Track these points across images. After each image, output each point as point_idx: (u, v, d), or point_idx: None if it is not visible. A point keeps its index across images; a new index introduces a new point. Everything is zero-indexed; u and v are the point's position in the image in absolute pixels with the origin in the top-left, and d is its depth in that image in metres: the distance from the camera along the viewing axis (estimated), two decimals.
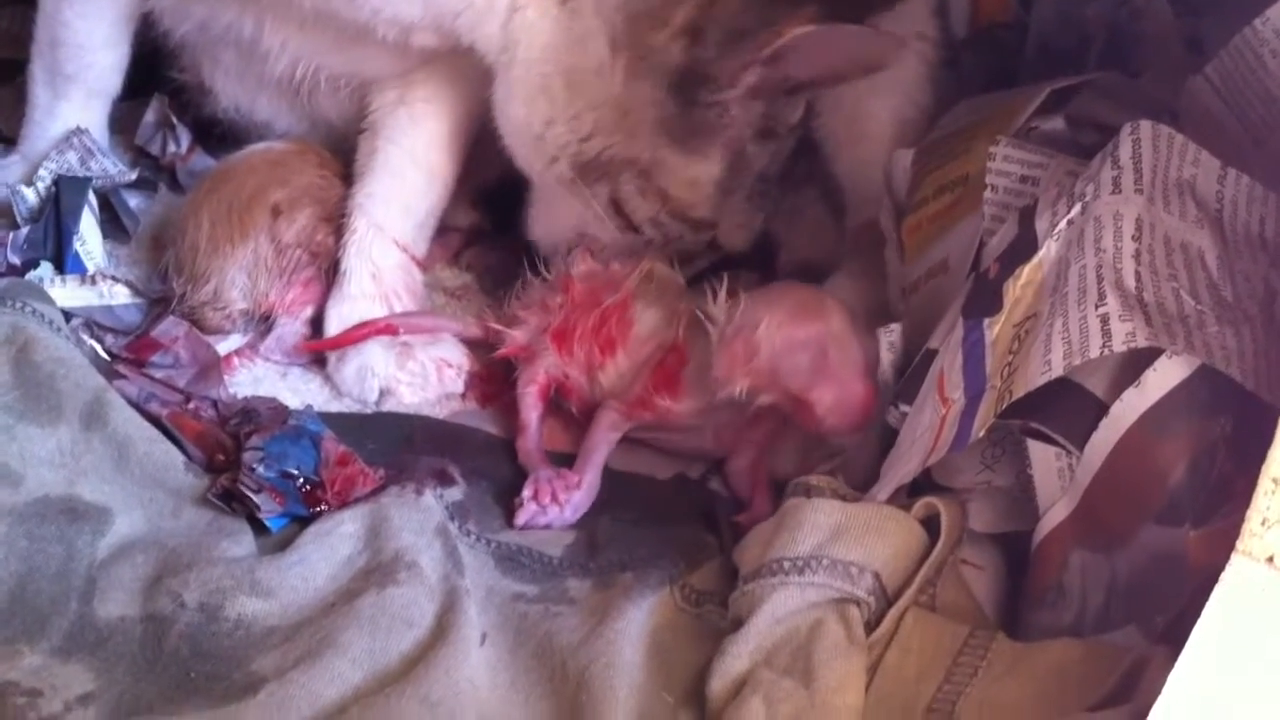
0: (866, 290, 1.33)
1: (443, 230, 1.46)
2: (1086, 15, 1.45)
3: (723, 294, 1.21)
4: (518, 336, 1.31)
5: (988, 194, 1.17)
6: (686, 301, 1.27)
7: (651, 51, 1.22)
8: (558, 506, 1.19)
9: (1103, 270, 0.99)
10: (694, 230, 1.33)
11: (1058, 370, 0.96)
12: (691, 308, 1.24)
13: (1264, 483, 0.77)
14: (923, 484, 1.07)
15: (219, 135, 1.53)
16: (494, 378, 1.35)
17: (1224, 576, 0.76)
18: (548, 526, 1.19)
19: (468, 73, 1.32)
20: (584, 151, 1.26)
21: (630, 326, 1.27)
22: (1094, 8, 1.44)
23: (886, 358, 1.17)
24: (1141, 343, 0.94)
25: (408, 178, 1.39)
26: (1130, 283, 0.98)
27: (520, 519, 1.19)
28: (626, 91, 1.23)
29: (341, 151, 1.44)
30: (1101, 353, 0.94)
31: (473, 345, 1.37)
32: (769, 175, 1.33)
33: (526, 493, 1.20)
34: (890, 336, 1.17)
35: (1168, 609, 0.92)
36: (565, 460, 1.26)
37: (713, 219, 1.32)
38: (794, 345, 1.16)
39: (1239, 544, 0.76)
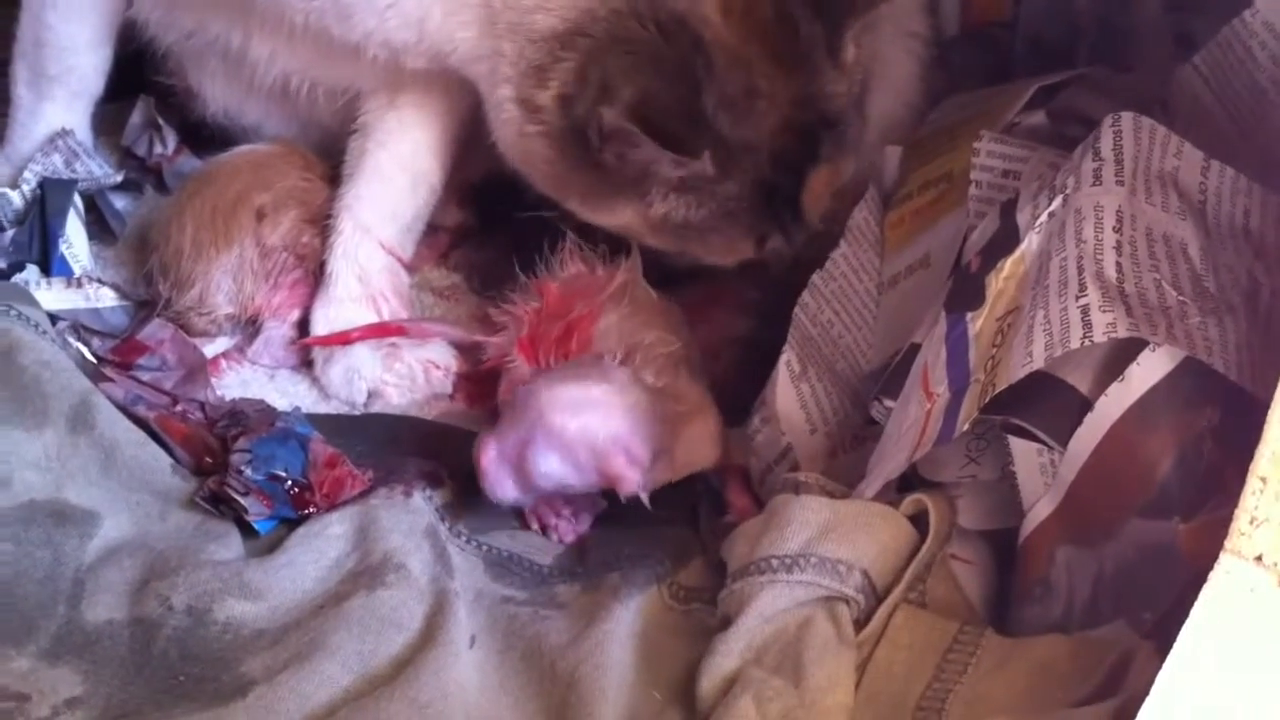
0: None
1: (430, 230, 1.46)
2: (1076, 9, 1.45)
3: None
4: (498, 344, 1.29)
5: (972, 190, 1.17)
6: (660, 323, 1.26)
7: (539, 110, 1.20)
8: (564, 521, 1.19)
9: (1083, 261, 0.99)
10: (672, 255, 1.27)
11: (1039, 362, 0.96)
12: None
13: (1252, 481, 0.76)
14: (909, 479, 1.07)
15: (206, 137, 1.52)
16: (482, 378, 1.34)
17: (1212, 576, 0.76)
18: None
19: (458, 80, 1.31)
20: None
21: (590, 342, 1.24)
22: (1084, 2, 1.44)
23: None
24: (1122, 333, 0.94)
25: (395, 182, 1.39)
26: (1111, 274, 0.98)
27: (566, 538, 1.19)
28: (524, 143, 1.22)
29: (333, 153, 1.43)
30: (1082, 343, 0.94)
31: (464, 347, 1.37)
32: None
33: (533, 525, 1.20)
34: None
35: (1157, 602, 0.92)
36: None
37: (676, 248, 1.26)
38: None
39: (1227, 543, 0.76)
